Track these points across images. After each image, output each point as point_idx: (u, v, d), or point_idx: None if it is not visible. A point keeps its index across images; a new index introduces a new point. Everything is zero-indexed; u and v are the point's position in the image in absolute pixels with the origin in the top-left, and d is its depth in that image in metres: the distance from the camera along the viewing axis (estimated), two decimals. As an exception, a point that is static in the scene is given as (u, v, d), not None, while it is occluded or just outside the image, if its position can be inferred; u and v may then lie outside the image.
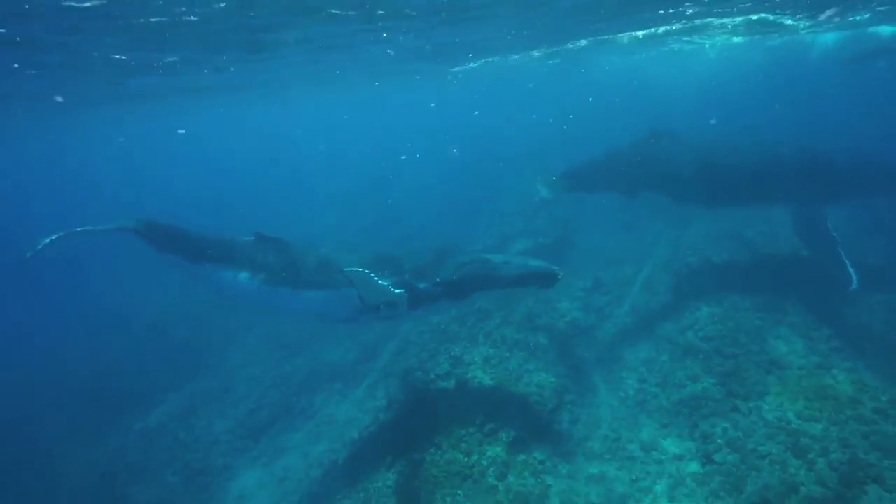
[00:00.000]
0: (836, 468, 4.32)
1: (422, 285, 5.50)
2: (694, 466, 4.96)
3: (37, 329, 13.35)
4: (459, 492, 5.15)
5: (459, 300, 5.61)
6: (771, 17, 12.92)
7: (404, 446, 6.11)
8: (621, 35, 14.11)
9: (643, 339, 7.10)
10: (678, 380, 6.04)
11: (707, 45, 17.52)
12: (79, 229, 6.37)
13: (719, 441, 5.03)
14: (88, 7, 5.91)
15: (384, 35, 9.94)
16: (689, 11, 11.52)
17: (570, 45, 14.98)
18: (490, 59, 16.47)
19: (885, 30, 16.22)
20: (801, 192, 7.01)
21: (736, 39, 16.62)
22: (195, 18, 6.97)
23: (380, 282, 5.15)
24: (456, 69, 17.90)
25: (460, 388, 6.77)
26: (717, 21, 13.17)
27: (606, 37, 14.12)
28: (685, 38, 15.65)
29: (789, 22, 13.46)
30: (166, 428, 8.23)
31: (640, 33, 13.98)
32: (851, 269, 6.36)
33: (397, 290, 5.30)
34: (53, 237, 6.24)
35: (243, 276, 5.88)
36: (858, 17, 13.84)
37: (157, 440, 7.98)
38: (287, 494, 6.88)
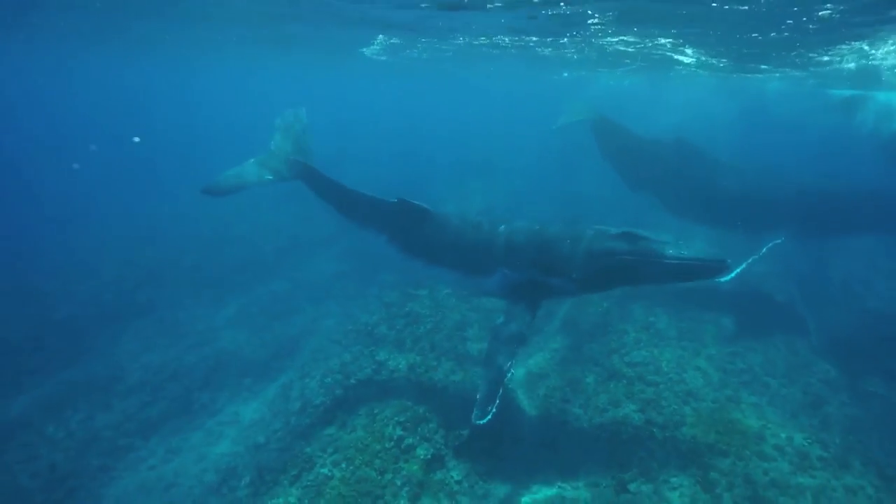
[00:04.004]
0: (740, 505, 4.45)
1: (555, 280, 5.09)
2: (609, 495, 4.92)
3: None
4: (368, 514, 4.76)
5: (599, 292, 5.58)
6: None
7: (313, 458, 5.61)
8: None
9: (571, 359, 7.09)
10: (601, 403, 6.05)
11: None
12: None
13: (635, 470, 5.04)
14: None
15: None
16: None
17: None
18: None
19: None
20: (796, 223, 7.30)
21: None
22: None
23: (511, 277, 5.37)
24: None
25: (381, 397, 6.37)
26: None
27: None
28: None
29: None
30: (30, 420, 7.04)
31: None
32: (738, 271, 6.66)
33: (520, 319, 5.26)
34: None
35: (382, 239, 6.10)
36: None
37: (16, 435, 6.79)
38: (172, 504, 6.11)
